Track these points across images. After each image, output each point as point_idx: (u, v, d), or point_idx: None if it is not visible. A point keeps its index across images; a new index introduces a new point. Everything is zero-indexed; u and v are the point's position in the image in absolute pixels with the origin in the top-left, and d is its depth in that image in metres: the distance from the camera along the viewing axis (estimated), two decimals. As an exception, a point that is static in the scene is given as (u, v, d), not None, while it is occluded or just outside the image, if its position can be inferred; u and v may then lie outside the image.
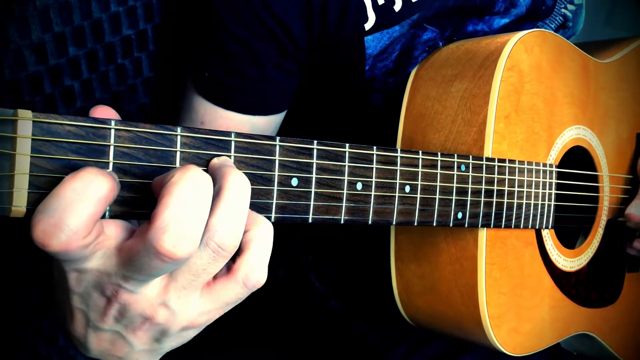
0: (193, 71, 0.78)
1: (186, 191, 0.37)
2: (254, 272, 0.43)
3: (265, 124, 0.79)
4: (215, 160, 0.44)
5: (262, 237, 0.43)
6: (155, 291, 0.42)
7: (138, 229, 0.40)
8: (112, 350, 0.45)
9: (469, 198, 0.65)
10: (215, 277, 0.43)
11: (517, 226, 0.73)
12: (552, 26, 0.96)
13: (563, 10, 0.95)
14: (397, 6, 0.77)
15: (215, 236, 0.39)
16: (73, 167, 0.39)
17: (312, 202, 0.51)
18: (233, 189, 0.40)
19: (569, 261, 0.85)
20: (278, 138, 0.48)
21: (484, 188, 0.67)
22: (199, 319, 0.44)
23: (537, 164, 0.75)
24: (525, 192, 0.73)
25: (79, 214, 0.36)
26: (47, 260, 0.40)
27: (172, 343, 0.46)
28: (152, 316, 0.42)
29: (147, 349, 0.45)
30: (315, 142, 0.50)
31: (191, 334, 0.46)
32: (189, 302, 0.43)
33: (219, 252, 0.40)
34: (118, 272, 0.40)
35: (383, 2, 0.77)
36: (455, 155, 0.64)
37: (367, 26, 0.77)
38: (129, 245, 0.39)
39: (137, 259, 0.38)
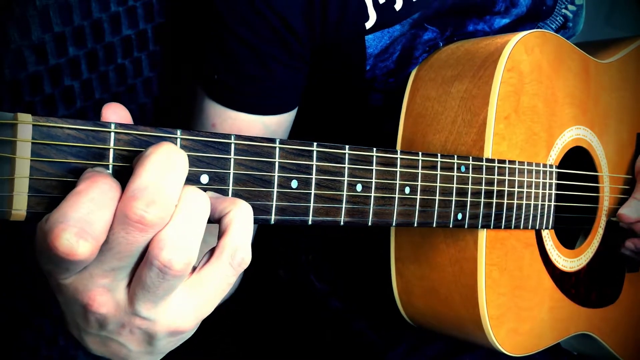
0: (201, 74, 0.77)
1: (158, 162, 0.37)
2: (240, 250, 0.42)
3: (276, 123, 0.78)
4: None
5: (243, 217, 0.42)
6: (123, 299, 0.41)
7: None
8: (110, 351, 0.44)
9: (468, 199, 0.65)
10: (197, 267, 0.42)
11: (517, 227, 0.73)
12: (553, 27, 0.95)
13: (564, 10, 0.95)
14: (398, 5, 0.77)
15: (160, 255, 0.38)
16: (73, 171, 0.39)
17: (311, 204, 0.51)
18: (187, 203, 0.39)
19: (569, 261, 0.85)
20: (278, 140, 0.48)
21: (484, 189, 0.67)
22: (186, 320, 0.43)
23: (537, 165, 0.75)
24: (525, 192, 0.73)
25: (101, 221, 0.36)
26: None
27: (167, 345, 0.45)
28: (129, 323, 0.42)
29: (143, 351, 0.44)
30: (315, 144, 0.50)
31: (185, 336, 0.45)
32: (164, 309, 0.42)
33: (167, 271, 0.38)
34: (96, 267, 0.39)
35: (384, 0, 0.76)
36: (455, 156, 0.64)
37: (368, 25, 0.77)
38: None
39: (112, 238, 0.37)
